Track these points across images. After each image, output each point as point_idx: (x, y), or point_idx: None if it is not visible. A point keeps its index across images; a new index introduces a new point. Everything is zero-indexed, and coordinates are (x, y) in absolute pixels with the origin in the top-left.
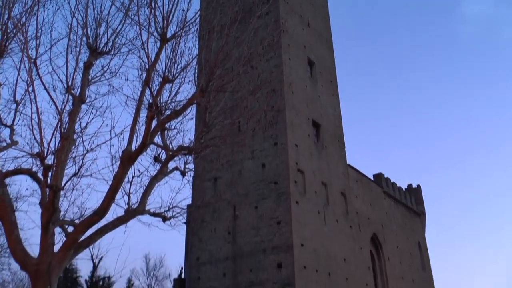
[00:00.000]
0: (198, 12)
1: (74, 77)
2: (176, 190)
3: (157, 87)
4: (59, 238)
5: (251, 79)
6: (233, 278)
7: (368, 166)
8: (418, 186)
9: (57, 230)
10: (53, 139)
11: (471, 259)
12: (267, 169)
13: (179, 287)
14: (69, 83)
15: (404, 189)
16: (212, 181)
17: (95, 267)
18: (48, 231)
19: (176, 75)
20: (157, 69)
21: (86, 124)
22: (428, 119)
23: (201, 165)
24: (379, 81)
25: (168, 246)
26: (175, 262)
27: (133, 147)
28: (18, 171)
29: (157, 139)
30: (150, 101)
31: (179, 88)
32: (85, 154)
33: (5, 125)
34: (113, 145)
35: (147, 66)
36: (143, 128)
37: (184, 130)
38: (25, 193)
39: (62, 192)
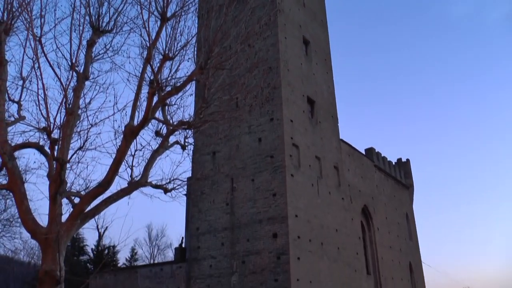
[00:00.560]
0: None
1: (78, 54)
2: (177, 163)
3: (158, 65)
4: (66, 209)
5: (249, 57)
6: (231, 247)
7: (360, 141)
8: (407, 160)
9: (64, 201)
10: (59, 114)
11: (455, 229)
12: (264, 144)
13: (179, 255)
14: (73, 61)
15: (394, 163)
16: (211, 155)
17: (100, 236)
18: (56, 202)
19: (176, 53)
20: (157, 47)
21: (90, 100)
22: (418, 97)
23: (200, 139)
24: (371, 60)
25: (169, 217)
26: (176, 232)
27: (135, 122)
28: (26, 145)
29: (158, 114)
30: (151, 77)
31: (179, 66)
32: (90, 128)
33: (13, 101)
34: (116, 120)
35: (148, 44)
36: (144, 104)
37: (184, 105)
38: (33, 166)
39: (68, 165)
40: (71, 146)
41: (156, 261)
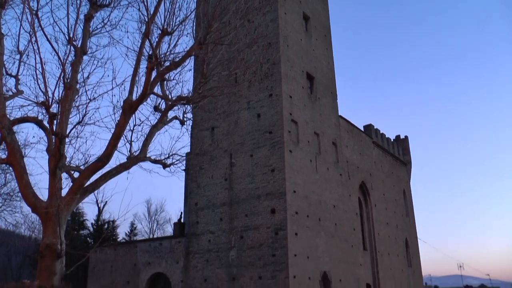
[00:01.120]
0: None
1: (76, 29)
2: (176, 139)
3: (157, 39)
4: (66, 183)
5: (248, 32)
6: (229, 222)
7: (359, 118)
8: (406, 137)
9: (64, 175)
10: (57, 88)
11: (451, 207)
12: (262, 119)
13: (178, 230)
14: (71, 35)
15: (392, 140)
16: (210, 130)
17: (100, 211)
18: (56, 176)
19: (175, 28)
20: (156, 22)
21: (89, 75)
22: (417, 75)
23: (199, 114)
24: (371, 37)
25: (168, 192)
26: (175, 207)
27: (134, 97)
28: (25, 119)
29: (157, 89)
30: (150, 52)
31: (177, 41)
32: (88, 103)
33: (10, 75)
34: (114, 95)
35: (146, 19)
36: (143, 79)
37: (183, 81)
38: (33, 140)
39: (67, 140)
40: (70, 120)
41: (155, 236)
